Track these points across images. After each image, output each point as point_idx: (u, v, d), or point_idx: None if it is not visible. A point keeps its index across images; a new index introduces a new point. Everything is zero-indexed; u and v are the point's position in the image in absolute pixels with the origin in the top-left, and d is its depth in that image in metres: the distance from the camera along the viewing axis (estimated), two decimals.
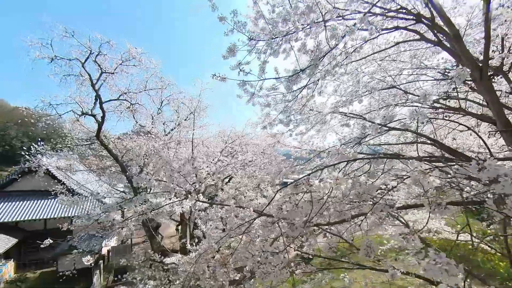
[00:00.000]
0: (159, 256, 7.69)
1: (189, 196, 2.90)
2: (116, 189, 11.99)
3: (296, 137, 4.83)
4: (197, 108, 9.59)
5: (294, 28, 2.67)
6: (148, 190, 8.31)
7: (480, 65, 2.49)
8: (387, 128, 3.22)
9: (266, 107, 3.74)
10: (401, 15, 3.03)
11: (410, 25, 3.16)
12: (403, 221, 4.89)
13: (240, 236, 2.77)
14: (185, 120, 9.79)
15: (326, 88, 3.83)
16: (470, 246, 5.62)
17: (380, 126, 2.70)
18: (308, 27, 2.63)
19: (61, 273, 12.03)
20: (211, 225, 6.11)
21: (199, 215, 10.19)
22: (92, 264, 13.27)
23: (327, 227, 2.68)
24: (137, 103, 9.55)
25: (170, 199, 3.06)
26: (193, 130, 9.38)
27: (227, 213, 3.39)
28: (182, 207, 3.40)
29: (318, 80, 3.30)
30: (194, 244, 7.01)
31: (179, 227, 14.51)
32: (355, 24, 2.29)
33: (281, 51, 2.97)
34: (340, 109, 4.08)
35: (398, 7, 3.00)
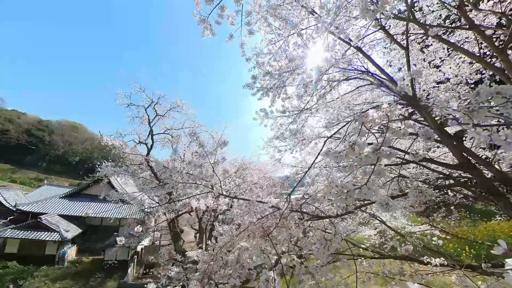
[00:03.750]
0: (180, 256, 8.83)
1: (214, 188, 2.75)
2: (154, 200, 13.88)
3: (294, 157, 5.36)
4: (219, 140, 11.40)
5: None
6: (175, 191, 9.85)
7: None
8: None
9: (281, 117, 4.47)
10: (355, 71, 4.26)
11: (360, 73, 4.25)
12: (380, 219, 5.43)
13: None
14: (214, 149, 11.61)
15: (318, 112, 4.68)
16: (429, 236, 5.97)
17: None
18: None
19: (106, 262, 13.63)
20: (227, 229, 6.39)
21: (217, 218, 11.20)
22: (129, 258, 14.76)
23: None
24: (177, 135, 11.81)
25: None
26: (215, 155, 11.09)
27: (250, 205, 2.92)
28: (205, 202, 3.29)
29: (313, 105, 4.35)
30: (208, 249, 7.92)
31: (197, 235, 15.56)
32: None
33: (287, 82, 4.03)
34: (325, 134, 4.80)
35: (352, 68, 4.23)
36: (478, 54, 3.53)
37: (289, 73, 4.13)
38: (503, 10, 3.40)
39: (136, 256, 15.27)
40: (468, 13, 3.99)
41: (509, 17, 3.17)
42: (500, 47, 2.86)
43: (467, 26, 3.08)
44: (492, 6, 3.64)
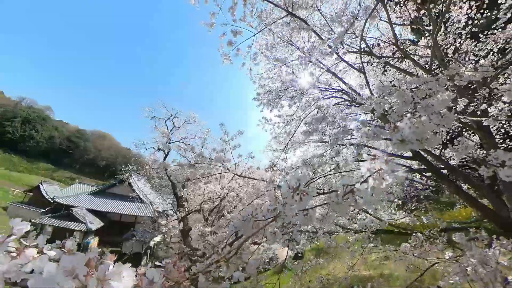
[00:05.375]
0: (189, 250, 9.57)
1: (230, 169, 3.05)
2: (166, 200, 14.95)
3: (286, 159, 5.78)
4: (225, 148, 12.38)
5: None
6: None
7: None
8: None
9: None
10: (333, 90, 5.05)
11: (336, 92, 4.99)
12: (367, 211, 5.86)
13: None
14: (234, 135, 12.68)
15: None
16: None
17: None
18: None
19: (123, 253, 14.54)
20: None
21: (224, 207, 11.82)
22: (143, 251, 15.62)
23: None
24: (189, 144, 12.99)
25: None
26: (234, 140, 12.05)
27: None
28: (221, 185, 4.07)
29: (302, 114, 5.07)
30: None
31: None
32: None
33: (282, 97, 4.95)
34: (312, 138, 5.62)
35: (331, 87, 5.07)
36: (415, 75, 4.27)
37: (282, 92, 5.12)
38: (430, 45, 4.17)
39: (149, 250, 16.11)
40: (410, 46, 4.82)
41: (430, 48, 3.93)
42: (427, 68, 3.64)
43: (403, 56, 3.89)
44: (427, 41, 4.43)
